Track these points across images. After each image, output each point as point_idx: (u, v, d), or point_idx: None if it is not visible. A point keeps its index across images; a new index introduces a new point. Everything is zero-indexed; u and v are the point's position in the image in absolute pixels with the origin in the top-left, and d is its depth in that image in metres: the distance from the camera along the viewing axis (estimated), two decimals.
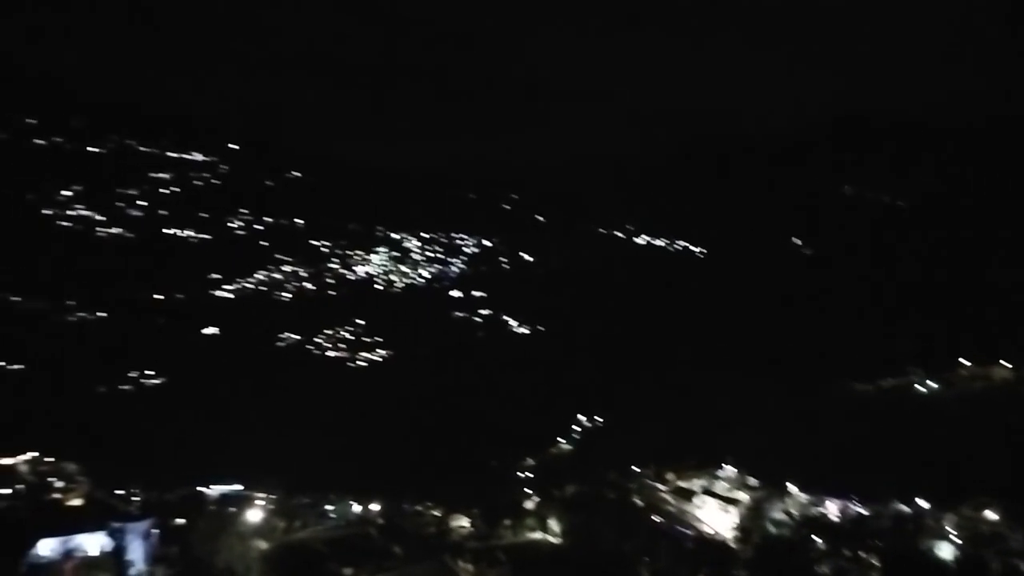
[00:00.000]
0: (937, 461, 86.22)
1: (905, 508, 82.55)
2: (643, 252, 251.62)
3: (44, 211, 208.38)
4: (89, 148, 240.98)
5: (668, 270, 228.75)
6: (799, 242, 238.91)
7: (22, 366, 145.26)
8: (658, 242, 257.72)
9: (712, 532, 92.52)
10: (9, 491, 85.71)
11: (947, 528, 77.20)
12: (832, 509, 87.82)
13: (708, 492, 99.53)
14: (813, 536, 79.93)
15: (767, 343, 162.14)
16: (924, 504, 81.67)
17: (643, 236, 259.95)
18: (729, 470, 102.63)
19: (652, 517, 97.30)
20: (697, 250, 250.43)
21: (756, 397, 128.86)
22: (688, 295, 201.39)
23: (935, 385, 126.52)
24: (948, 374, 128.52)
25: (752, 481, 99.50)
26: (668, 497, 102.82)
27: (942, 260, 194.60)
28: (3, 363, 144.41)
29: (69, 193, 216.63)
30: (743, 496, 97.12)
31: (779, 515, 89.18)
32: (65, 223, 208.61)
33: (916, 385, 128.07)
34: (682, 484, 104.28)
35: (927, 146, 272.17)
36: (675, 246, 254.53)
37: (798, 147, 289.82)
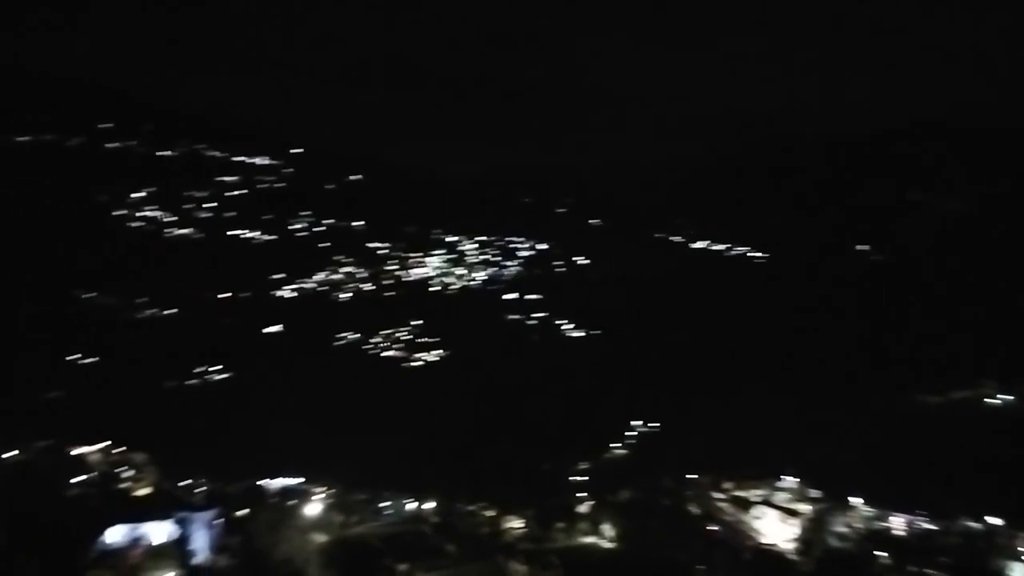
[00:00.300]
0: (1010, 477, 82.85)
1: (975, 525, 79.44)
2: (701, 257, 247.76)
3: (116, 212, 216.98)
4: (160, 152, 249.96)
5: (727, 276, 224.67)
6: (866, 248, 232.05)
7: (96, 359, 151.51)
8: (717, 247, 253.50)
9: (771, 543, 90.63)
10: (82, 479, 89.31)
11: (1020, 548, 74.00)
12: (898, 524, 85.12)
13: (767, 503, 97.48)
14: (877, 551, 77.59)
15: (832, 351, 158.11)
16: (996, 521, 78.46)
17: (701, 241, 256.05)
18: (790, 481, 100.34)
19: (708, 526, 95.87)
20: (757, 256, 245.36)
21: (819, 407, 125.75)
22: (748, 302, 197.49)
23: (1008, 397, 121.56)
24: (1021, 386, 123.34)
25: (814, 493, 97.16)
26: (725, 506, 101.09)
27: (1016, 268, 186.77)
28: (78, 357, 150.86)
29: (141, 195, 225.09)
30: (804, 508, 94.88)
31: (842, 528, 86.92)
32: (137, 224, 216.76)
33: (987, 397, 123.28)
34: (740, 494, 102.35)
35: (1001, 151, 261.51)
36: (734, 251, 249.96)
37: (865, 151, 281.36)
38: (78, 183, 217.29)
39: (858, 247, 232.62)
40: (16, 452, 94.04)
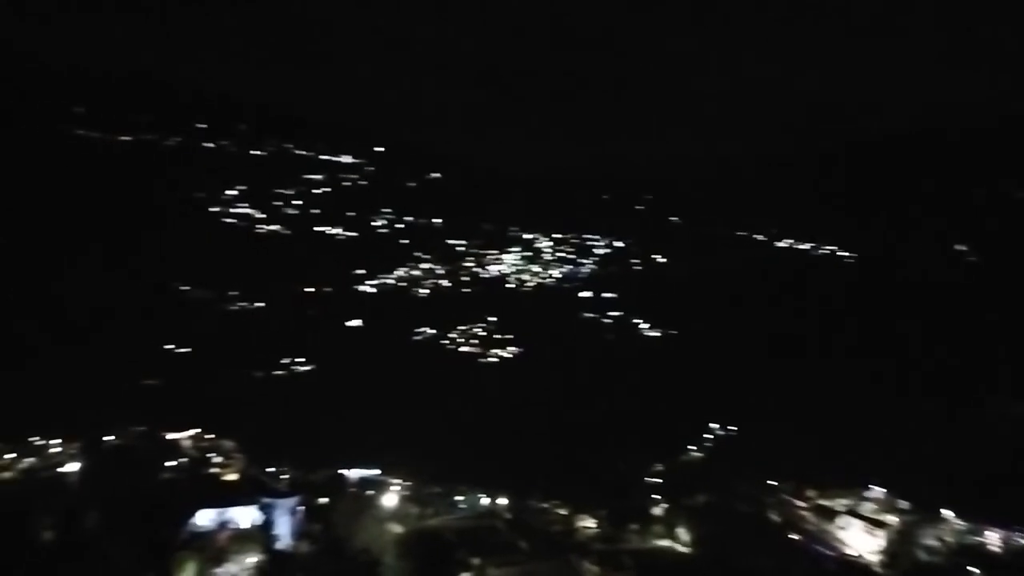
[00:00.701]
0: None
1: None
2: (785, 256, 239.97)
3: (211, 209, 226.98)
4: (251, 151, 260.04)
5: (813, 276, 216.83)
6: (963, 248, 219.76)
7: (189, 350, 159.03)
8: (802, 246, 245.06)
9: (855, 555, 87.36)
10: (175, 464, 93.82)
11: None
12: (992, 538, 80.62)
13: (853, 513, 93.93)
14: (970, 567, 73.67)
15: (924, 356, 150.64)
16: None
17: (785, 239, 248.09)
18: (877, 491, 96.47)
19: (789, 534, 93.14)
20: (846, 255, 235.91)
21: (910, 414, 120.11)
22: (836, 303, 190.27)
23: None
24: None
25: (902, 504, 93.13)
26: (808, 515, 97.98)
27: None
28: (172, 346, 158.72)
29: (233, 192, 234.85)
30: (892, 519, 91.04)
31: (932, 541, 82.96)
32: (229, 220, 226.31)
33: None
34: (824, 503, 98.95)
35: None
36: (821, 250, 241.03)
37: (962, 146, 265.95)
38: (175, 181, 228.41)
39: (955, 247, 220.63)
40: (113, 437, 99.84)
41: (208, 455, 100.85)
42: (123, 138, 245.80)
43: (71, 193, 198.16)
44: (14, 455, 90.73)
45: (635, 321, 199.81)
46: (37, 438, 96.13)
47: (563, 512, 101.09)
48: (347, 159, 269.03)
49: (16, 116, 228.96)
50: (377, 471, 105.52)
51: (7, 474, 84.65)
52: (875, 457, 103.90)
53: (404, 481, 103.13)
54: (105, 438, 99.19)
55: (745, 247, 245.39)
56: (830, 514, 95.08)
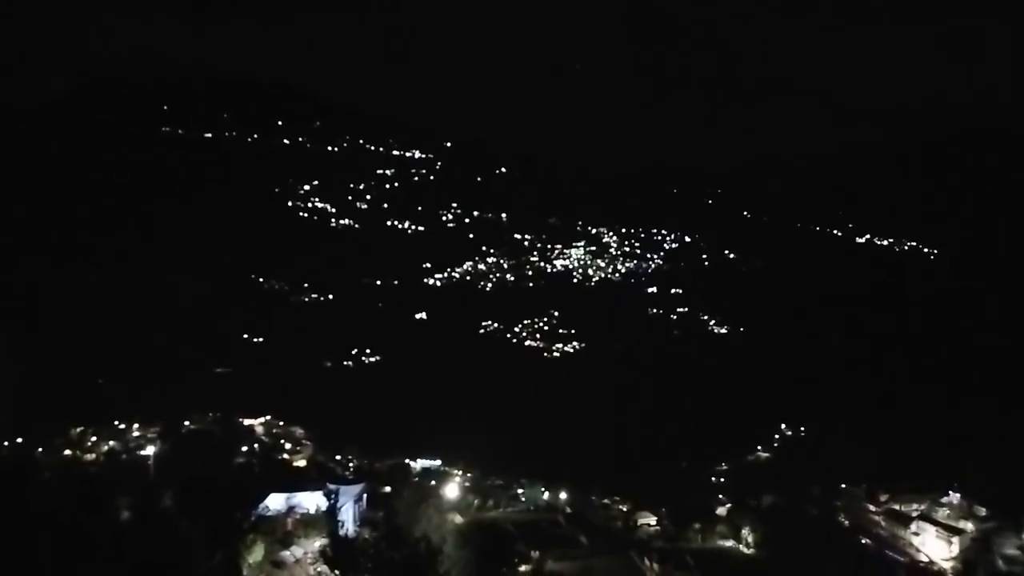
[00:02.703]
0: None
1: None
2: (863, 252, 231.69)
3: (289, 203, 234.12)
4: (328, 147, 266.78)
5: (892, 273, 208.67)
6: None
7: (262, 339, 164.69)
8: (881, 242, 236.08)
9: (928, 561, 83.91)
10: (247, 449, 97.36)
11: None
12: None
13: (927, 518, 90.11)
14: None
15: (1009, 357, 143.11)
16: None
17: (864, 235, 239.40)
18: (954, 496, 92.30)
19: (860, 539, 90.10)
20: (927, 251, 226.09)
21: (991, 417, 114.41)
22: (916, 301, 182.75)
23: None
24: None
25: (980, 511, 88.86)
26: (880, 519, 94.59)
27: None
28: (247, 336, 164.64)
29: (308, 188, 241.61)
30: (969, 526, 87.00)
31: (1012, 551, 78.91)
32: (305, 214, 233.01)
33: None
34: (897, 507, 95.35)
35: None
36: (901, 246, 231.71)
37: None
38: (256, 177, 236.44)
39: None
40: (190, 423, 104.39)
41: (279, 441, 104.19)
42: (206, 135, 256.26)
43: (156, 185, 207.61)
44: (95, 438, 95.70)
45: (703, 317, 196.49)
46: (119, 423, 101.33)
47: (624, 508, 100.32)
48: (417, 154, 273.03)
49: (108, 117, 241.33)
50: (439, 462, 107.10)
51: (90, 455, 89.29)
52: (952, 461, 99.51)
53: (465, 472, 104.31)
54: (183, 423, 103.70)
55: (821, 242, 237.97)
56: (903, 519, 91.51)
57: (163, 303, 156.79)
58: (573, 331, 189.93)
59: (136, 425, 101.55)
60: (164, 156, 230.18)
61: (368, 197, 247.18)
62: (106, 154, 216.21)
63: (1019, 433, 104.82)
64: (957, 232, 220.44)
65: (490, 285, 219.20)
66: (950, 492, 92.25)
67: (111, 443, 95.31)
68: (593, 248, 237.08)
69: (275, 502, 76.26)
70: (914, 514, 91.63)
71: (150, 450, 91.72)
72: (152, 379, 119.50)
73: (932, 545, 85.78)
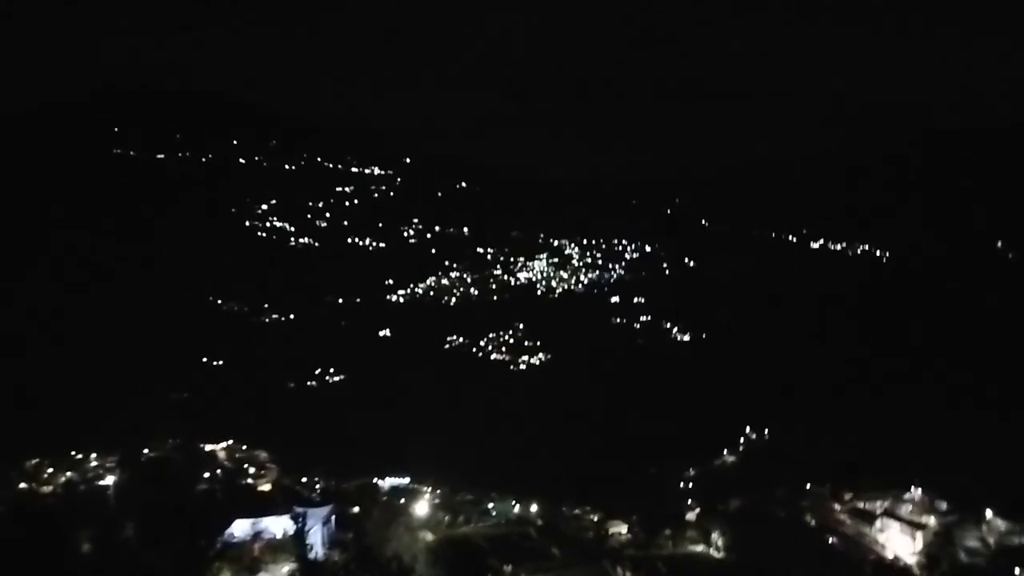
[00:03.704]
0: None
1: None
2: (817, 257, 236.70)
3: (246, 223, 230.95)
4: (285, 165, 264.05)
5: (846, 276, 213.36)
6: (999, 245, 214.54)
7: (222, 362, 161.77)
8: (835, 246, 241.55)
9: (894, 558, 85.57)
10: (209, 475, 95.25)
11: None
12: None
13: (891, 515, 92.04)
14: (1014, 567, 71.70)
15: (964, 354, 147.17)
16: None
17: (818, 240, 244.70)
18: (916, 492, 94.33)
19: (826, 538, 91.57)
20: (879, 255, 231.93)
21: (950, 414, 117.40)
22: (871, 303, 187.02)
23: None
24: None
25: (942, 505, 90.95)
26: (845, 518, 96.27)
27: None
28: (206, 359, 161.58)
29: (266, 207, 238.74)
30: (931, 521, 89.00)
31: (973, 543, 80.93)
32: (263, 234, 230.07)
33: None
34: (861, 505, 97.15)
35: None
36: (855, 250, 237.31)
37: (993, 138, 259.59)
38: (212, 196, 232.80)
39: (996, 244, 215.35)
40: (150, 450, 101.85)
41: (243, 466, 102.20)
42: (158, 155, 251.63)
43: (108, 209, 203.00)
44: (52, 469, 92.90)
45: (666, 325, 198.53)
46: (75, 452, 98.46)
47: (595, 518, 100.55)
48: (376, 171, 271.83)
49: (54, 140, 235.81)
50: (408, 480, 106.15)
51: (46, 488, 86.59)
52: (913, 457, 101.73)
53: (435, 489, 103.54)
54: (142, 451, 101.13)
55: (777, 249, 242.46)
56: (868, 517, 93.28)
57: (117, 328, 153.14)
58: (538, 343, 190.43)
59: (94, 455, 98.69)
60: (114, 179, 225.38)
61: (328, 215, 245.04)
62: (52, 179, 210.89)
63: (975, 428, 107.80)
64: (907, 234, 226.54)
65: (454, 300, 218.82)
66: (912, 488, 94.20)
67: (68, 474, 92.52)
68: (556, 260, 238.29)
69: (240, 528, 75.01)
70: (878, 511, 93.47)
71: (109, 480, 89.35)
72: (108, 406, 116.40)
73: (897, 541, 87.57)
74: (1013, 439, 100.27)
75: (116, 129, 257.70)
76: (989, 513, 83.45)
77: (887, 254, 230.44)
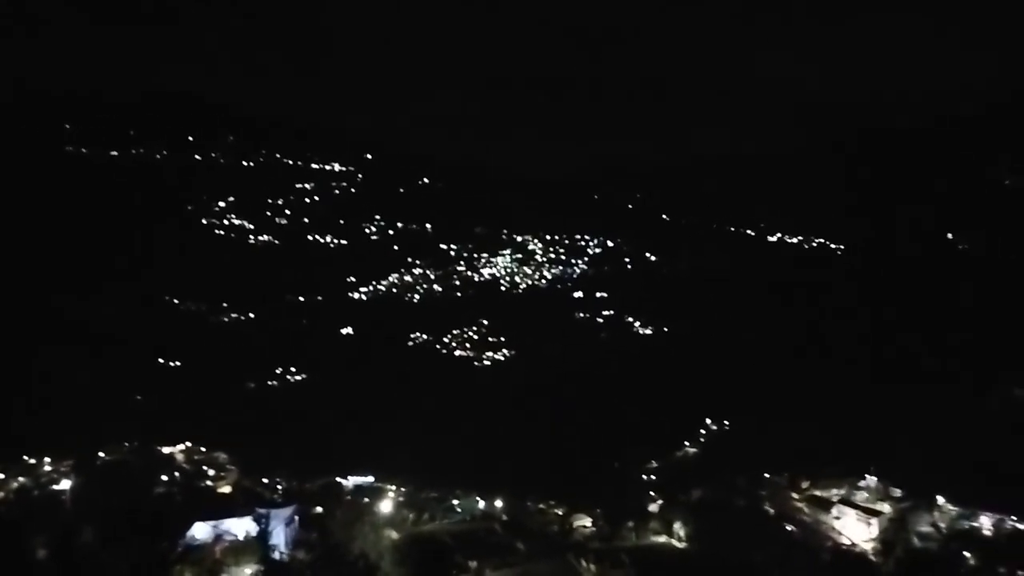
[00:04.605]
0: None
1: None
2: (775, 250, 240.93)
3: (203, 220, 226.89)
4: (243, 162, 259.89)
5: (803, 269, 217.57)
6: (952, 237, 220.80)
7: (180, 363, 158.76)
8: (791, 240, 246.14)
9: (850, 544, 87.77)
10: (167, 478, 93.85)
11: None
12: (986, 524, 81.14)
13: (847, 502, 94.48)
14: (963, 552, 74.08)
15: (915, 345, 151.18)
16: None
17: (775, 234, 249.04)
18: (871, 480, 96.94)
19: (785, 526, 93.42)
20: (835, 247, 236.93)
21: (903, 403, 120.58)
22: (825, 295, 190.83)
23: None
24: None
25: (896, 492, 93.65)
26: (803, 506, 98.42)
27: None
28: (163, 360, 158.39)
29: (224, 204, 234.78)
30: (886, 508, 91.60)
31: (926, 528, 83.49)
32: (221, 232, 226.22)
33: None
34: (818, 493, 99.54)
35: None
36: (810, 243, 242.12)
37: (951, 135, 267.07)
38: (167, 194, 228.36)
39: (946, 237, 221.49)
40: (105, 454, 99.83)
41: (202, 468, 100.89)
42: (112, 152, 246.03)
43: (61, 207, 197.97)
44: (3, 475, 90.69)
45: (628, 319, 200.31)
46: (28, 457, 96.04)
47: (559, 512, 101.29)
48: (337, 167, 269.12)
49: (4, 137, 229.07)
50: (372, 478, 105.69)
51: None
52: (868, 446, 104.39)
53: (399, 487, 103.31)
54: (97, 455, 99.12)
55: (734, 242, 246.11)
56: (825, 504, 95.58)
57: (70, 329, 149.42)
58: (502, 339, 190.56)
59: (47, 459, 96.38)
60: (68, 177, 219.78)
61: (287, 212, 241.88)
62: (3, 177, 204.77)
63: (928, 418, 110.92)
64: (862, 227, 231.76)
65: (417, 297, 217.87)
66: (867, 476, 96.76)
67: (21, 480, 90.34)
68: (519, 256, 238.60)
69: (201, 531, 74.15)
70: (834, 499, 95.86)
71: (64, 485, 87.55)
72: (61, 410, 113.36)
73: (853, 528, 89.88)
74: (963, 429, 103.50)
75: (68, 126, 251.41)
76: (941, 499, 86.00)
77: (841, 247, 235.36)
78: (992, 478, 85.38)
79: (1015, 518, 79.24)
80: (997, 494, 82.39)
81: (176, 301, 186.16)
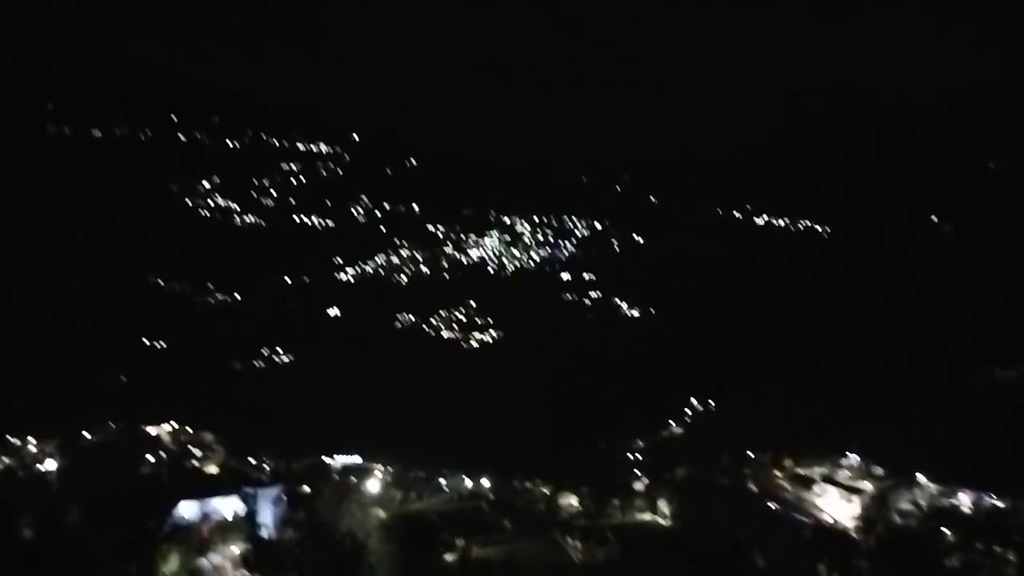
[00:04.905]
0: None
1: None
2: (762, 233, 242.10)
3: (187, 201, 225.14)
4: (227, 142, 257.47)
5: (789, 252, 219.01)
6: (935, 220, 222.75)
7: (165, 344, 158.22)
8: (778, 222, 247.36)
9: (832, 521, 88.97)
10: (154, 458, 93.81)
11: None
12: (965, 501, 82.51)
13: (829, 480, 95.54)
14: (943, 528, 75.31)
15: (899, 326, 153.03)
16: None
17: (762, 216, 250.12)
18: (853, 458, 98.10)
19: (768, 504, 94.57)
20: (821, 230, 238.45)
21: (885, 383, 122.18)
22: (811, 278, 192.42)
23: None
24: None
25: (878, 470, 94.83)
26: (785, 484, 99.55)
27: None
28: (149, 341, 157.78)
29: (209, 185, 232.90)
30: (867, 485, 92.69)
31: (906, 506, 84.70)
32: (206, 212, 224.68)
33: None
34: (801, 471, 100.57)
35: None
36: (796, 226, 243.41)
37: (935, 120, 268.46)
38: (151, 174, 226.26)
39: (929, 220, 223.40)
40: (91, 434, 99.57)
41: (188, 448, 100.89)
42: (95, 132, 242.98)
43: (44, 188, 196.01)
44: None
45: (616, 301, 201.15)
46: (12, 438, 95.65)
47: (546, 491, 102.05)
48: (323, 147, 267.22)
49: None
50: (359, 458, 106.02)
51: None
52: (850, 424, 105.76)
53: (387, 466, 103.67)
54: (83, 435, 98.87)
55: (722, 225, 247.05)
56: (807, 482, 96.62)
57: (56, 309, 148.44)
58: (490, 320, 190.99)
59: (32, 440, 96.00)
60: (51, 157, 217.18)
61: (273, 192, 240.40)
62: None
63: (908, 396, 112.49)
64: (847, 210, 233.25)
65: (404, 278, 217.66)
66: (849, 454, 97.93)
67: (6, 460, 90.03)
68: (507, 237, 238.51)
69: (188, 510, 74.31)
70: (817, 477, 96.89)
71: (50, 465, 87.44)
72: (46, 390, 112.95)
73: (835, 506, 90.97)
74: (944, 409, 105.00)
75: (50, 106, 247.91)
76: (921, 478, 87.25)
77: (828, 230, 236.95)
78: (971, 457, 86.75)
79: (993, 496, 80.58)
80: (976, 473, 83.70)
81: (161, 282, 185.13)
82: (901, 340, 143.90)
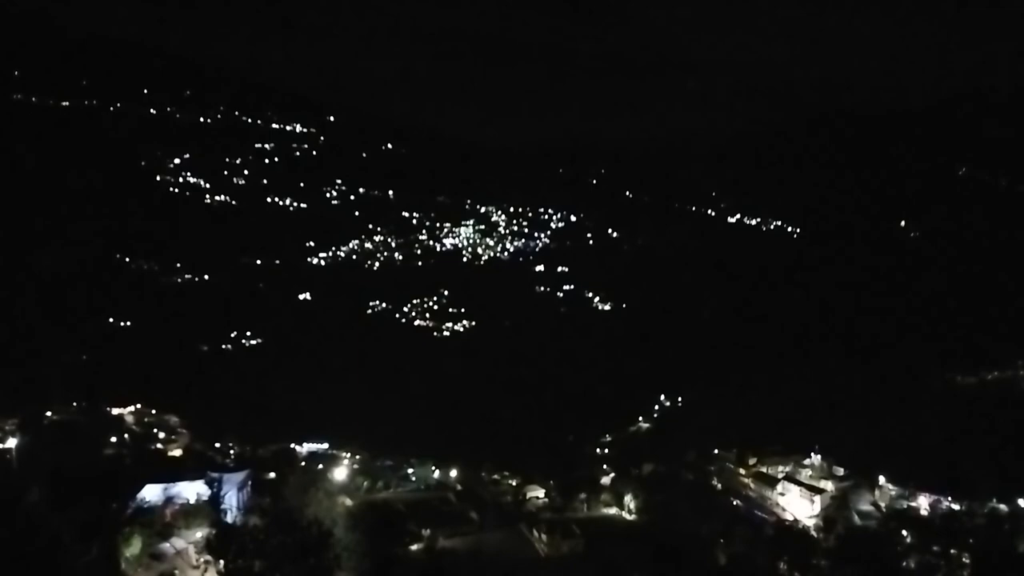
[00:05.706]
0: None
1: (1003, 507, 78.38)
2: (734, 231, 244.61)
3: (157, 177, 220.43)
4: (200, 118, 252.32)
5: (761, 250, 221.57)
6: (903, 223, 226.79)
7: (131, 324, 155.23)
8: (751, 221, 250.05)
9: (793, 519, 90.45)
10: (117, 440, 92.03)
11: None
12: (923, 503, 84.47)
13: (791, 479, 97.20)
14: (901, 530, 76.99)
15: (864, 329, 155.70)
16: None
17: (735, 214, 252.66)
18: (815, 458, 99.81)
19: (731, 500, 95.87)
20: (791, 230, 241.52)
21: (849, 385, 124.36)
22: (781, 276, 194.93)
23: None
24: None
25: (839, 471, 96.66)
26: (749, 482, 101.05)
27: None
28: (113, 320, 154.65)
29: (179, 161, 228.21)
30: (828, 485, 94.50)
31: (866, 506, 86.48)
32: (176, 190, 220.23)
33: None
34: (764, 470, 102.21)
35: None
36: (768, 225, 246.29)
37: (906, 123, 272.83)
38: (120, 149, 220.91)
39: (897, 223, 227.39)
40: (53, 413, 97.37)
41: (152, 430, 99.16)
42: (63, 103, 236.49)
43: (6, 158, 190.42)
44: None
45: (588, 294, 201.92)
46: None
47: (513, 483, 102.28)
48: (298, 128, 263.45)
49: None
50: (326, 445, 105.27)
51: None
52: (813, 426, 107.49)
53: (354, 454, 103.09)
54: (44, 414, 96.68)
55: (695, 222, 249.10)
56: (770, 481, 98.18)
57: (17, 285, 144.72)
58: (463, 310, 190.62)
59: None
60: (16, 126, 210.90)
61: (246, 172, 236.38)
62: None
63: (871, 398, 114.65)
64: (818, 211, 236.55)
65: (377, 264, 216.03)
66: (811, 454, 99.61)
67: None
68: (482, 226, 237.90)
69: (152, 493, 72.69)
70: (780, 476, 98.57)
71: (10, 443, 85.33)
72: (8, 368, 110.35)
73: (796, 504, 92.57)
74: (905, 412, 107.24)
75: (16, 72, 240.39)
76: (881, 479, 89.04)
77: (797, 231, 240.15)
78: (931, 459, 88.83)
79: (950, 498, 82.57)
80: (934, 475, 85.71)
81: (128, 260, 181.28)
82: (865, 344, 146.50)
